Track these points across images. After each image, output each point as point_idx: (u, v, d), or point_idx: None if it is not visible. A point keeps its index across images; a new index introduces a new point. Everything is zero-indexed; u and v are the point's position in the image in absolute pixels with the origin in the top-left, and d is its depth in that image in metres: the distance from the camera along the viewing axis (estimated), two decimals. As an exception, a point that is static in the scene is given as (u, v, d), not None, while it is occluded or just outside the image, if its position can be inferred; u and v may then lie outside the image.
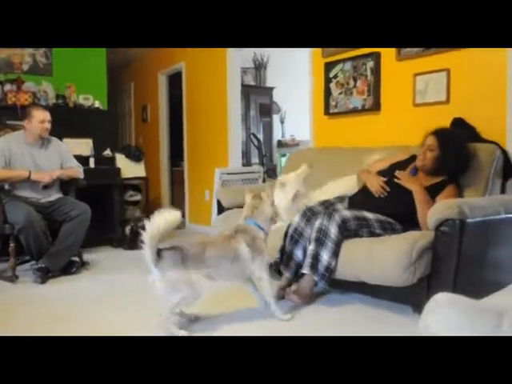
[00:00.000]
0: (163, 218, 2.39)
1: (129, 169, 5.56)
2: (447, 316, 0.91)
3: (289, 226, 3.13)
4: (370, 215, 2.94)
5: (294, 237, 3.07)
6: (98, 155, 5.35)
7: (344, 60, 4.28)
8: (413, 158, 3.18)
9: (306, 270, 2.87)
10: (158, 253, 2.43)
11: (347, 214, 2.90)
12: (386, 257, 2.66)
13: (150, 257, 2.41)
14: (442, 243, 2.58)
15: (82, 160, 4.71)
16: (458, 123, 3.35)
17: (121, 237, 5.28)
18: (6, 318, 2.82)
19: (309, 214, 3.09)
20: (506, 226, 2.84)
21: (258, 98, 7.22)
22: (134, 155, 5.71)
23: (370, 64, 4.05)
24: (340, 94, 4.35)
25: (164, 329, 2.48)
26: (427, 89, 3.66)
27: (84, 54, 5.80)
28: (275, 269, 3.13)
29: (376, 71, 4.02)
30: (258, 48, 6.94)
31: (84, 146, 5.37)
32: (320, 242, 2.86)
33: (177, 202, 7.24)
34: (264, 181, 5.59)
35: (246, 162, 6.75)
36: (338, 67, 4.34)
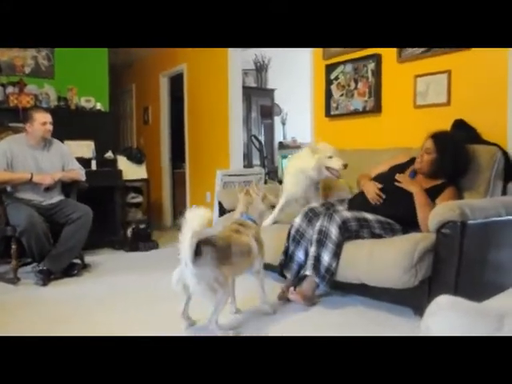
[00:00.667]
0: (204, 212, 2.29)
1: (130, 171, 5.56)
2: (448, 319, 0.91)
3: (291, 227, 3.13)
4: (369, 216, 2.95)
5: (295, 238, 3.07)
6: (99, 157, 5.36)
7: (345, 62, 4.28)
8: (412, 160, 3.18)
9: (308, 272, 2.88)
10: (197, 248, 2.27)
11: (347, 214, 2.91)
12: (387, 259, 2.66)
13: (190, 254, 2.23)
14: (444, 245, 2.58)
15: (84, 162, 4.72)
16: (459, 125, 3.35)
17: (122, 239, 5.29)
18: (7, 320, 2.82)
19: (311, 215, 3.10)
20: (508, 228, 2.84)
21: (260, 100, 7.23)
22: (136, 157, 5.71)
23: (371, 66, 4.06)
24: (341, 95, 4.35)
25: (209, 331, 2.39)
26: (428, 91, 3.66)
27: (86, 56, 5.82)
28: (279, 271, 3.14)
29: (377, 73, 4.02)
30: (259, 49, 6.94)
31: (86, 148, 5.37)
32: (321, 243, 2.87)
33: (178, 203, 7.25)
34: (265, 182, 5.59)
35: (248, 163, 6.75)
36: (339, 69, 4.34)
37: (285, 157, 6.56)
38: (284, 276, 3.13)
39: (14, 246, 3.70)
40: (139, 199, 5.82)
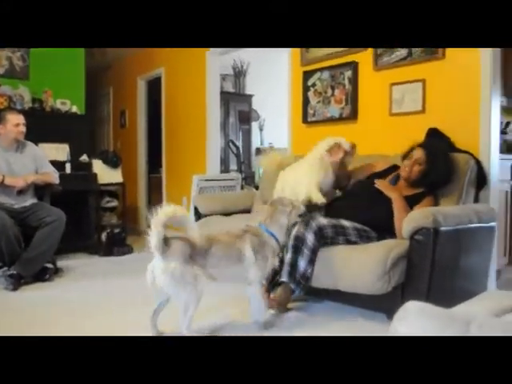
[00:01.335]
0: (172, 208, 2.33)
1: (106, 175, 5.50)
2: (416, 324, 0.92)
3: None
4: (346, 223, 2.96)
5: (270, 244, 3.07)
6: (74, 160, 5.30)
7: (322, 69, 4.31)
8: (392, 168, 3.21)
9: (283, 278, 2.87)
10: (166, 241, 2.30)
11: (324, 221, 2.92)
12: (361, 265, 2.68)
13: (156, 243, 2.27)
14: (417, 252, 2.61)
15: (58, 165, 4.65)
16: (434, 133, 3.40)
17: (96, 243, 5.22)
18: (-25, 326, 2.76)
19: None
20: (479, 235, 2.89)
21: (237, 105, 7.24)
22: (112, 161, 5.65)
23: (348, 73, 4.10)
24: (318, 102, 4.38)
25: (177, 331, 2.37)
26: (403, 98, 3.71)
27: (62, 58, 5.75)
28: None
29: (354, 80, 4.06)
30: (238, 54, 6.95)
31: (60, 151, 5.31)
32: (297, 249, 2.87)
33: (154, 208, 7.18)
34: (242, 188, 5.59)
35: (225, 169, 6.75)
36: (316, 76, 4.37)
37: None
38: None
39: (-17, 250, 3.62)
40: (114, 203, 5.76)
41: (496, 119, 3.29)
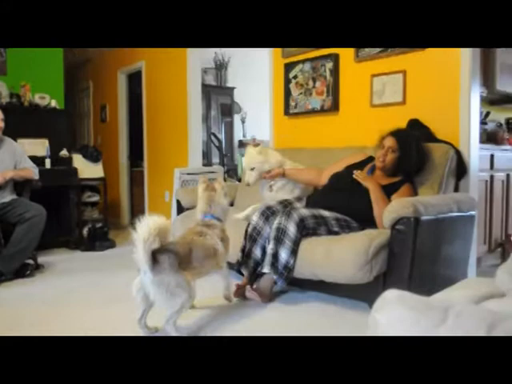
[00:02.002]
0: (153, 221, 2.22)
1: (86, 169, 5.45)
2: (395, 312, 0.92)
3: (248, 225, 3.13)
4: (327, 213, 2.97)
5: (252, 235, 3.07)
6: (54, 156, 5.23)
7: (303, 61, 4.31)
8: (369, 159, 3.22)
9: (265, 269, 2.88)
10: (153, 255, 2.24)
11: (305, 212, 2.93)
12: (342, 255, 2.69)
13: (146, 261, 2.20)
14: (398, 241, 2.64)
15: (38, 161, 4.59)
16: (414, 124, 3.42)
17: (78, 238, 5.17)
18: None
19: (268, 213, 3.11)
20: (459, 224, 2.93)
21: (219, 98, 7.21)
22: (92, 155, 5.59)
23: (329, 65, 4.10)
24: (300, 94, 4.38)
25: (165, 332, 2.37)
26: (384, 90, 3.72)
27: (40, 52, 5.66)
28: (237, 268, 3.13)
29: (335, 72, 4.06)
30: (219, 48, 6.91)
31: (40, 147, 5.23)
32: (279, 240, 2.88)
33: (136, 203, 7.15)
34: (225, 181, 5.57)
35: (207, 162, 6.73)
36: (298, 68, 4.37)
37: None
38: (242, 273, 3.13)
39: (-38, 247, 3.57)
40: (96, 198, 5.71)
41: (476, 109, 3.32)
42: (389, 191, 2.97)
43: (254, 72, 6.77)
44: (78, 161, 5.45)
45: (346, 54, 3.98)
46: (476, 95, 3.32)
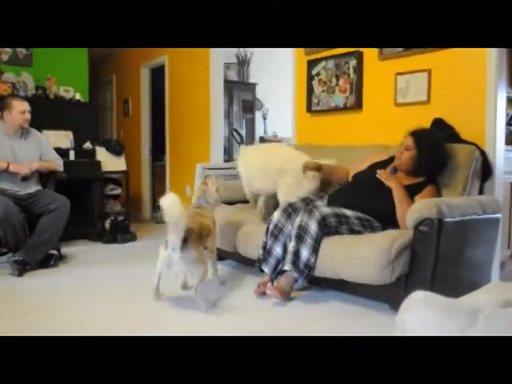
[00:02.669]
0: (176, 201, 2.59)
1: (109, 162, 5.51)
2: (422, 314, 0.92)
3: (270, 222, 3.13)
4: (349, 212, 2.96)
5: (274, 233, 3.08)
6: (78, 148, 5.30)
7: (326, 58, 4.29)
8: (392, 158, 3.21)
9: (286, 267, 2.88)
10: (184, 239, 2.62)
11: (327, 210, 2.92)
12: (364, 255, 2.68)
13: (180, 243, 2.59)
14: (421, 242, 2.61)
15: (62, 152, 4.65)
16: (438, 124, 3.38)
17: (100, 231, 5.24)
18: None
19: (290, 210, 3.11)
20: (483, 227, 2.89)
21: (241, 94, 7.20)
22: (115, 149, 5.66)
23: (353, 63, 4.07)
24: (322, 91, 4.36)
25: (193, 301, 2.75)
26: (408, 88, 3.69)
27: (65, 46, 5.72)
28: (258, 265, 3.14)
29: (358, 70, 4.04)
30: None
31: (64, 139, 5.31)
32: (300, 238, 2.88)
33: (158, 196, 7.20)
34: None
35: (228, 157, 6.73)
36: (321, 65, 4.35)
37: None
38: (262, 271, 3.13)
39: (-12, 237, 3.63)
40: (118, 191, 5.78)
41: (502, 110, 3.27)
42: (412, 192, 2.95)
43: (277, 68, 6.74)
44: (102, 154, 5.51)
45: (370, 52, 3.96)
46: (502, 96, 3.28)
